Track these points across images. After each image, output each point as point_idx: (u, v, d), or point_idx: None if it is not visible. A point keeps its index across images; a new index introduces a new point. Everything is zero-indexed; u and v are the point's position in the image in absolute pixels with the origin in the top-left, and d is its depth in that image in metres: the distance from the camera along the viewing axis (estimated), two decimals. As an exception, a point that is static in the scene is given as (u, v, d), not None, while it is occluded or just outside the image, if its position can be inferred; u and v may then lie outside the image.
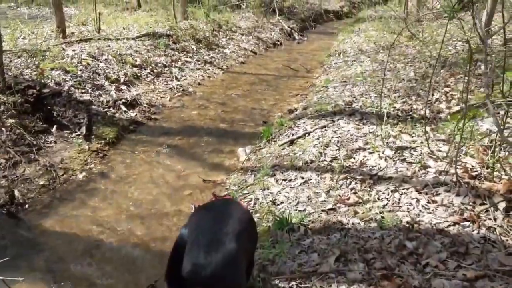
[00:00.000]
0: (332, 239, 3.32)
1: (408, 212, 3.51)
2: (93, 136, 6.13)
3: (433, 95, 6.43)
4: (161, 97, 8.15)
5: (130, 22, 12.07)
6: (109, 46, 9.24)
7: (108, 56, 8.64)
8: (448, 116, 5.57)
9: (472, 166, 3.96)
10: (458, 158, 3.89)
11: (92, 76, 7.70)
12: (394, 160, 4.32)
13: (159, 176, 5.27)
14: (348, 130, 5.36)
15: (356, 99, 6.68)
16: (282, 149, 5.32)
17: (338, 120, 5.79)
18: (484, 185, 3.65)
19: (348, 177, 4.18)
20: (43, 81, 6.87)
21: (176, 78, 9.16)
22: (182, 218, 4.40)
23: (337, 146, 4.89)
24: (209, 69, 10.34)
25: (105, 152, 5.85)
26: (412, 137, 4.91)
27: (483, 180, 3.74)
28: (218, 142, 6.29)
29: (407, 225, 3.34)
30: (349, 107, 6.33)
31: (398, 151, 4.47)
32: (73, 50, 8.56)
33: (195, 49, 11.10)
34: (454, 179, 3.74)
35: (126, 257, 3.90)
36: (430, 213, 3.46)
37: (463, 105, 5.95)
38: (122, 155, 5.83)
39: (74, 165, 5.38)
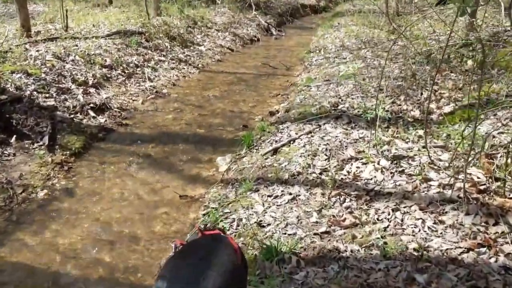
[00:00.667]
0: (329, 271, 2.88)
1: (414, 235, 3.09)
2: (57, 146, 5.56)
3: (421, 94, 6.06)
4: (133, 100, 7.59)
5: (101, 19, 11.43)
6: (76, 45, 8.63)
7: (75, 56, 8.04)
8: (440, 117, 5.20)
9: (479, 178, 3.57)
10: (463, 169, 3.50)
11: (57, 79, 7.10)
12: (391, 172, 3.90)
13: (131, 192, 4.75)
14: (337, 136, 4.94)
15: (342, 99, 6.26)
16: (265, 159, 4.86)
17: (324, 124, 5.36)
18: (495, 201, 3.25)
19: (342, 193, 3.73)
20: (2, 85, 6.27)
21: (149, 79, 8.60)
22: (155, 242, 3.91)
23: (326, 156, 4.45)
24: (184, 68, 9.79)
25: (70, 164, 5.30)
26: (407, 143, 4.50)
27: (493, 195, 3.35)
28: (195, 149, 5.79)
29: (414, 253, 2.92)
30: (335, 109, 5.90)
31: (395, 161, 4.05)
32: (37, 51, 7.94)
33: (169, 47, 10.53)
34: (462, 195, 3.33)
35: (92, 292, 3.40)
36: (439, 236, 3.04)
37: (454, 105, 5.62)
38: (89, 167, 5.28)
39: (34, 181, 4.82)
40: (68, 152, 5.47)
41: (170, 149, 5.80)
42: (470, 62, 6.85)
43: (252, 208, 3.89)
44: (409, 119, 5.13)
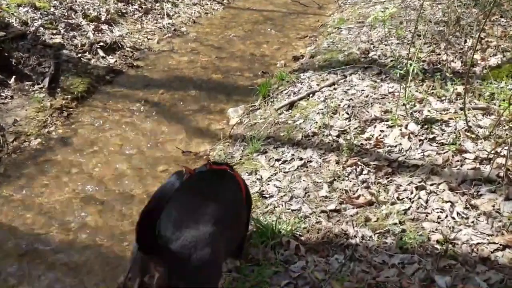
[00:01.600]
0: (333, 263, 2.43)
1: (439, 223, 2.58)
2: (59, 89, 5.17)
3: (465, 42, 5.32)
4: (148, 39, 7.06)
5: None
6: (92, -24, 8.06)
7: (89, -12, 7.50)
8: (484, 71, 4.50)
9: (524, 152, 2.98)
10: (507, 141, 2.93)
11: (67, 14, 6.63)
12: (420, 139, 3.33)
13: (131, 144, 4.35)
14: (363, 90, 4.36)
15: (374, 46, 5.59)
16: (279, 114, 4.35)
17: (351, 74, 4.78)
18: (543, 184, 2.69)
19: (359, 162, 3.22)
20: (6, 20, 5.85)
21: (168, 16, 7.99)
22: (149, 205, 3.52)
23: (348, 114, 3.90)
24: (207, 4, 9.11)
25: (70, 110, 4.90)
26: (443, 102, 3.90)
27: (541, 176, 2.78)
28: (207, 97, 5.30)
29: (437, 246, 2.42)
30: (365, 57, 5.27)
31: (426, 126, 3.47)
32: (50, -19, 7.43)
33: (193, -21, 9.81)
34: (502, 174, 2.78)
35: (70, 261, 3.05)
36: (469, 226, 2.53)
37: (502, 57, 4.89)
38: (91, 114, 4.88)
39: (29, 128, 4.46)
40: (69, 96, 5.07)
41: (180, 96, 5.33)
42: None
43: (256, 173, 3.43)
44: (447, 74, 4.46)
